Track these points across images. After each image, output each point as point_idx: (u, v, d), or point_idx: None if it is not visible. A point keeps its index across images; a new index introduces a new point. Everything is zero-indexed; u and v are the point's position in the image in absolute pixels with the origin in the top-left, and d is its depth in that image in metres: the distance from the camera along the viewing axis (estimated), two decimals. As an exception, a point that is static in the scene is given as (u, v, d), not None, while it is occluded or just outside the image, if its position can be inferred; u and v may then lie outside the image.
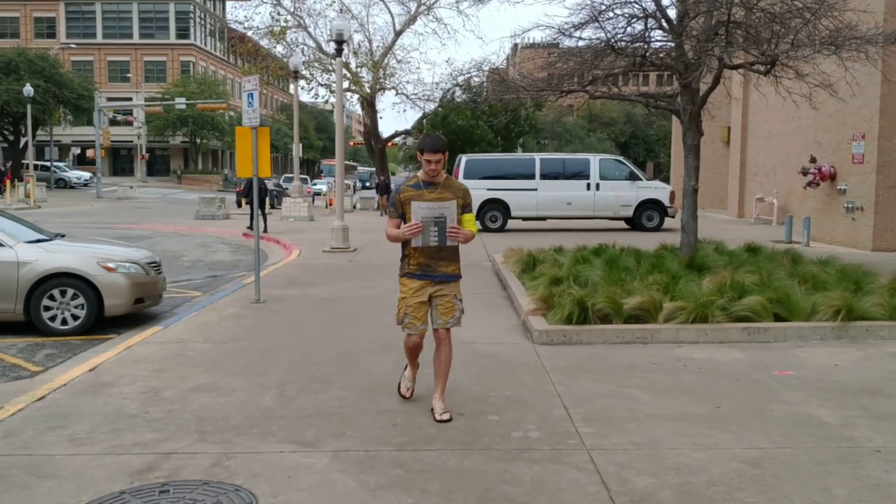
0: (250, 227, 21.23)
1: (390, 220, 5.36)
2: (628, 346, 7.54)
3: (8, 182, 38.38)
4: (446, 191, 5.28)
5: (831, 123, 17.79)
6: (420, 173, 5.36)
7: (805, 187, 18.71)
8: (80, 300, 8.56)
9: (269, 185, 34.88)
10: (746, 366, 6.80)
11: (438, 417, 5.31)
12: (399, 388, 5.84)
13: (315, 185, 48.12)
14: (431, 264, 5.26)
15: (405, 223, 5.22)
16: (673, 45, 11.97)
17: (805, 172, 18.54)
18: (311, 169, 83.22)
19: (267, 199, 23.68)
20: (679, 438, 4.96)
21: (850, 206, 16.74)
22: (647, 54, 12.13)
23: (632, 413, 5.48)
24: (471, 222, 5.34)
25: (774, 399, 5.80)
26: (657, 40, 12.52)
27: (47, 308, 8.50)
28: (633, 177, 21.65)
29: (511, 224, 21.28)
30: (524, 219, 21.54)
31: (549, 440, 4.95)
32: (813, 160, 18.43)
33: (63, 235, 10.12)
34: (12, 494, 4.13)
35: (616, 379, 6.38)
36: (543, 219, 21.68)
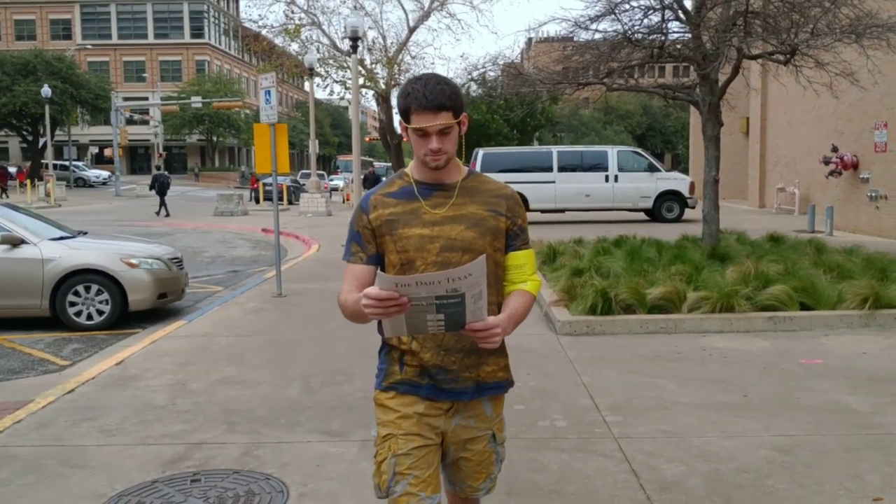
0: (157, 214, 27.79)
1: (349, 270, 2.50)
2: (652, 337, 7.51)
3: (17, 181, 38.98)
4: (471, 201, 2.48)
5: (852, 112, 17.60)
6: (410, 167, 2.54)
7: (827, 176, 18.55)
8: (105, 296, 8.65)
9: (287, 181, 35.05)
10: (773, 355, 6.75)
11: None
12: None
13: (332, 180, 48.28)
14: (446, 364, 2.43)
15: (382, 274, 2.21)
16: (690, 36, 11.90)
17: (827, 162, 18.37)
18: (327, 165, 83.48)
19: (168, 191, 29.20)
20: (706, 426, 4.94)
21: (873, 194, 16.57)
22: (665, 46, 12.07)
23: (658, 402, 5.46)
24: (529, 265, 2.54)
25: (802, 387, 5.76)
26: (674, 31, 12.45)
27: (73, 304, 8.59)
28: (651, 168, 21.55)
29: (529, 217, 21.07)
30: (542, 211, 21.50)
31: (576, 429, 4.94)
32: (834, 149, 18.25)
33: (85, 233, 10.22)
34: (47, 484, 4.18)
35: (641, 369, 6.36)
36: (562, 211, 21.63)
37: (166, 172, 33.00)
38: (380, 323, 2.34)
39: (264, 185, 34.06)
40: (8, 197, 35.74)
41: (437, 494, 2.46)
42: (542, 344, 7.25)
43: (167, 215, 27.64)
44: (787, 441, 4.65)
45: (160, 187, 28.36)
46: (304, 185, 36.17)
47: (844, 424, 4.94)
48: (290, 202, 33.36)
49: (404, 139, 2.51)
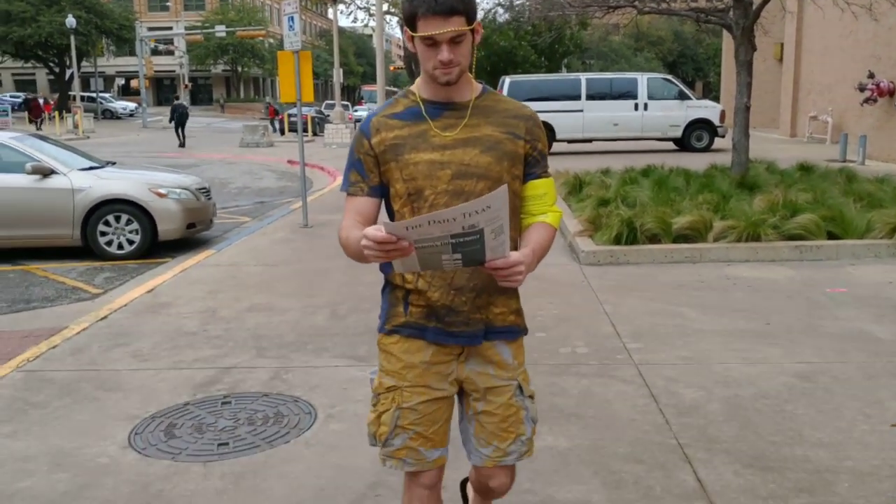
0: (182, 146, 28.19)
1: (350, 203, 2.25)
2: (677, 266, 7.50)
3: (45, 113, 39.46)
4: (486, 122, 2.18)
5: (892, 37, 17.01)
6: (417, 84, 2.23)
7: (862, 104, 18.07)
8: (135, 225, 8.78)
9: (312, 112, 34.93)
10: (797, 283, 6.73)
11: None
12: None
13: (356, 111, 47.98)
14: (456, 304, 2.16)
15: (388, 223, 1.91)
16: (726, -45, 11.50)
17: (862, 88, 17.87)
18: (351, 95, 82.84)
19: (186, 123, 29.86)
20: (728, 353, 4.97)
21: (909, 122, 16.15)
22: (699, -34, 11.68)
23: (680, 329, 5.50)
24: (550, 195, 2.27)
25: (826, 315, 5.75)
26: (709, -50, 12.03)
27: (103, 233, 8.74)
28: (682, 96, 21.11)
29: (556, 147, 21.03)
30: (569, 141, 21.25)
31: (597, 355, 5.00)
32: (871, 75, 17.72)
33: (114, 163, 10.32)
34: (83, 406, 4.35)
35: (664, 297, 6.37)
36: (589, 141, 21.36)
37: (185, 103, 33.35)
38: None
39: (289, 115, 33.99)
40: (39, 128, 36.05)
41: (437, 449, 2.24)
42: (565, 274, 7.28)
43: (182, 145, 28.46)
44: (808, 368, 4.67)
45: (179, 118, 29.08)
46: (328, 115, 35.98)
47: (866, 352, 4.94)
48: (314, 133, 33.28)
49: (411, 50, 2.19)
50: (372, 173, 2.19)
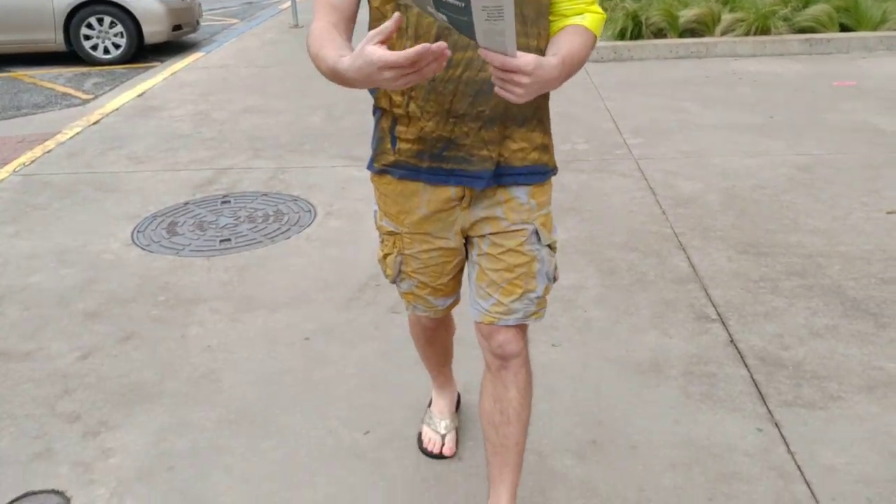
0: None
1: (319, 4, 1.69)
2: (682, 61, 7.28)
3: None
4: None
5: None
6: None
7: None
8: (119, 28, 8.44)
9: None
10: (805, 77, 6.55)
11: None
12: (420, 439, 2.40)
13: None
14: (456, 136, 1.62)
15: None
16: None
17: None
18: None
19: None
20: (728, 147, 4.93)
21: None
22: None
23: (682, 125, 5.41)
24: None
25: (831, 108, 5.64)
26: None
27: (87, 37, 8.42)
28: None
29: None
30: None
31: (597, 152, 4.96)
32: None
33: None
34: (83, 207, 4.37)
35: (667, 93, 6.23)
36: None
37: None
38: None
39: None
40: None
41: (448, 297, 1.96)
42: (566, 70, 7.07)
43: None
44: (809, 160, 4.64)
45: None
46: None
47: (869, 143, 4.89)
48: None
49: None
50: None
